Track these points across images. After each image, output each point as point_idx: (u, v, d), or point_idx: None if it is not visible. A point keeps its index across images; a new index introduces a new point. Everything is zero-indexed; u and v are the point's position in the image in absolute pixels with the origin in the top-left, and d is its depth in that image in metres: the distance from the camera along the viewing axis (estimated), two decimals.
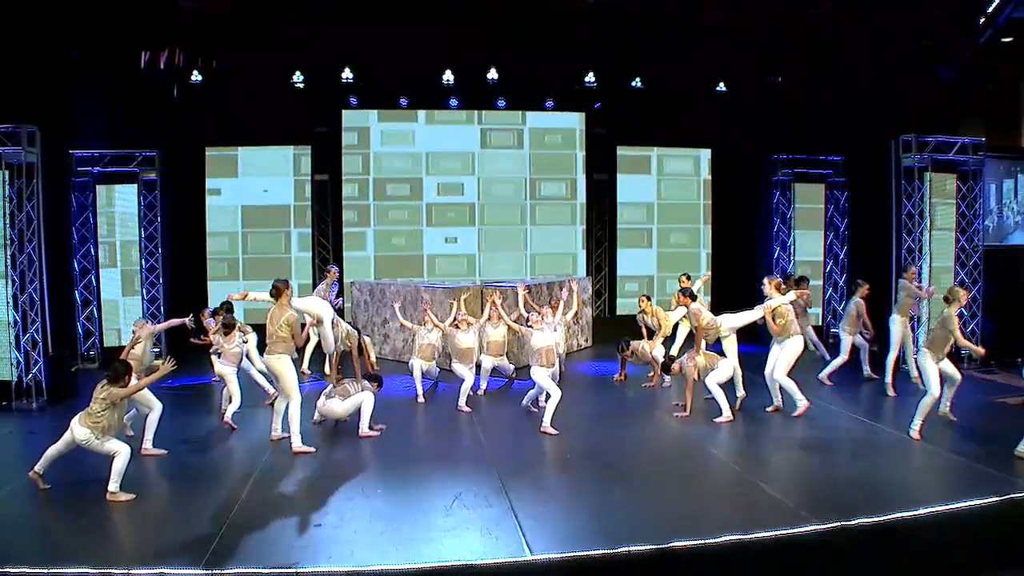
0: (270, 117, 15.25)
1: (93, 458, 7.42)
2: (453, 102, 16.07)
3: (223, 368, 9.99)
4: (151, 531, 6.51)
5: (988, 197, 13.93)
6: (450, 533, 6.38)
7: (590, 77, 15.58)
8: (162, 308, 13.87)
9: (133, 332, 9.62)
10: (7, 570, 5.65)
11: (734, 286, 17.06)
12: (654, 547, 6.14)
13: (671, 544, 6.17)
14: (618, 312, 17.01)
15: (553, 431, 9.20)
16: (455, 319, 11.32)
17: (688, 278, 12.81)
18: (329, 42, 14.26)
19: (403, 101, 15.95)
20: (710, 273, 13.67)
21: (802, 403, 9.85)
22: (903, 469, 8.16)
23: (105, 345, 13.61)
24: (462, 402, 10.45)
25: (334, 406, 9.20)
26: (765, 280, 10.30)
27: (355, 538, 6.31)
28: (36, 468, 7.32)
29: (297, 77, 14.74)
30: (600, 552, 6.05)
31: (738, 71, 15.80)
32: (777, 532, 6.41)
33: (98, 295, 13.57)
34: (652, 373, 11.92)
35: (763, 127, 16.28)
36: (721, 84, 16.10)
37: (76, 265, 13.41)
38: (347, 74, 14.82)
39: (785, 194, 15.91)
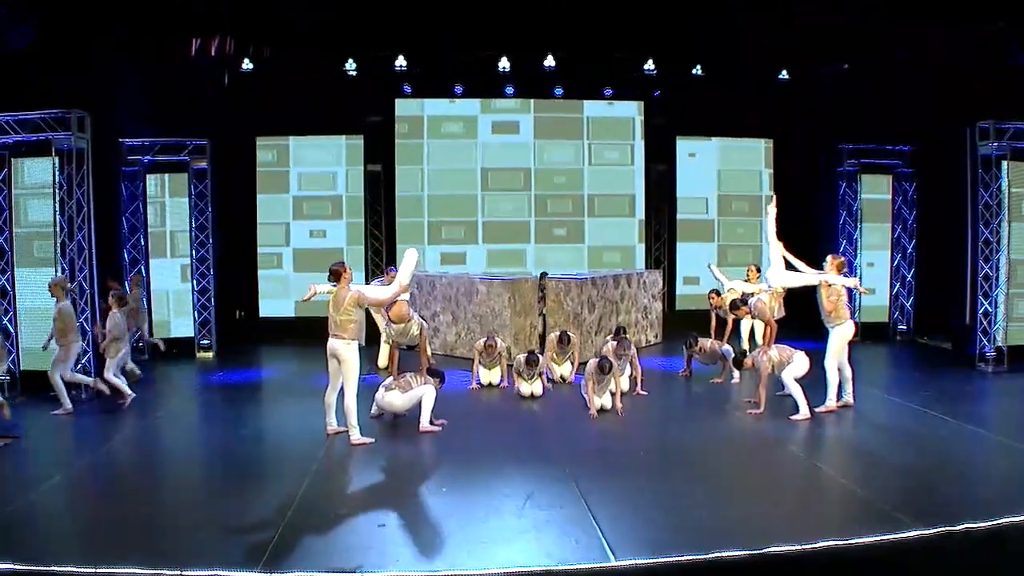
0: (322, 106, 14.97)
1: (141, 449, 7.12)
2: (509, 90, 15.63)
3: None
4: (205, 529, 6.12)
5: None
6: (525, 535, 5.94)
7: (649, 65, 15.00)
8: (212, 299, 13.61)
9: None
10: (54, 569, 5.30)
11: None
12: (748, 553, 5.65)
13: (767, 550, 5.67)
14: (677, 307, 16.41)
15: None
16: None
17: (758, 270, 12.29)
18: (382, 29, 13.90)
19: (458, 89, 15.55)
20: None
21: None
22: (999, 469, 7.60)
23: (155, 337, 13.36)
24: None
25: (393, 399, 8.81)
26: (829, 258, 9.83)
27: (422, 539, 5.90)
28: None
29: (350, 65, 14.37)
30: (690, 558, 5.58)
31: (801, 58, 15.13)
32: (879, 538, 5.88)
33: (148, 286, 13.34)
34: (722, 370, 11.40)
35: (827, 116, 15.67)
36: (784, 72, 15.42)
37: (126, 255, 13.21)
38: (401, 62, 14.42)
39: (852, 185, 15.23)
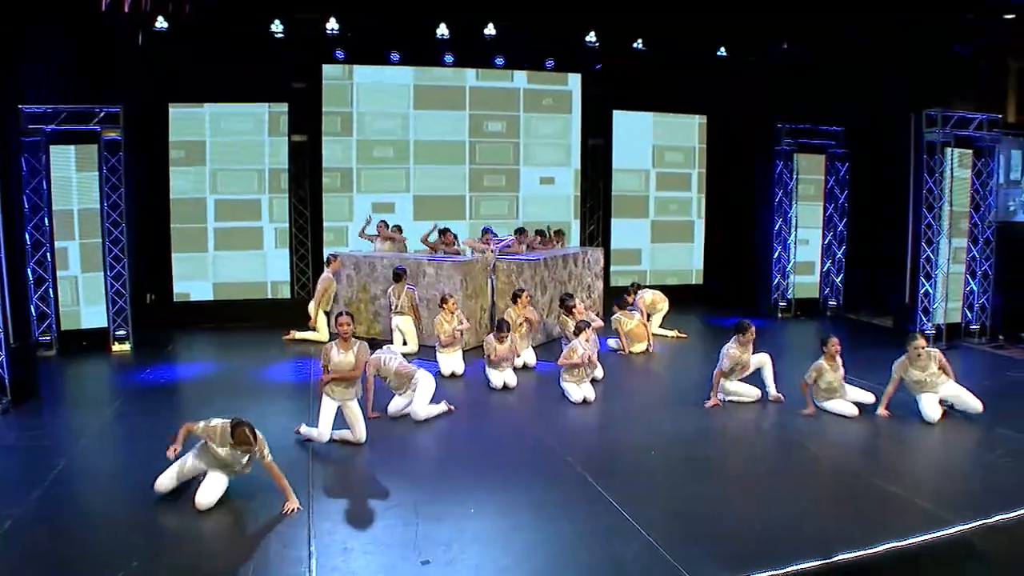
0: (244, 70, 13.64)
1: (91, 481, 6.23)
2: (448, 59, 14.72)
3: None
4: None
5: (994, 171, 13.55)
6: (588, 566, 5.47)
7: (591, 36, 14.42)
8: (127, 285, 12.24)
9: None
10: None
11: (730, 259, 16.53)
12: (820, 563, 5.48)
13: (836, 558, 5.53)
14: (611, 284, 16.11)
15: None
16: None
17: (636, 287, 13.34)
18: None
19: (394, 56, 14.51)
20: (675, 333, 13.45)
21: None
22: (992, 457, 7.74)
23: (62, 328, 11.91)
24: None
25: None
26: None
27: None
28: None
29: (276, 27, 13.09)
30: (773, 574, 5.30)
31: (742, 35, 14.94)
32: (931, 536, 5.88)
33: (53, 272, 11.81)
34: None
35: (764, 95, 15.65)
36: (722, 49, 15.19)
37: (27, 238, 11.63)
38: (332, 25, 13.25)
39: (788, 164, 15.28)
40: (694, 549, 5.63)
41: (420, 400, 8.62)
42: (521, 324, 11.16)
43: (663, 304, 13.45)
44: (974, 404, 8.51)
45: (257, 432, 6.38)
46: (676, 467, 7.58)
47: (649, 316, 13.00)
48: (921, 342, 8.76)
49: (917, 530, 5.92)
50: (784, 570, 5.34)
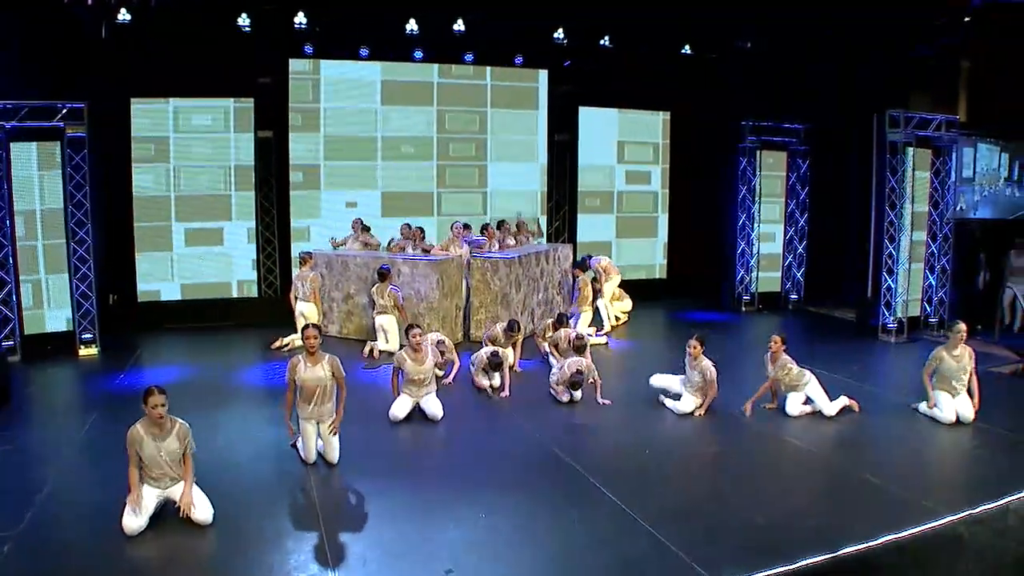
0: (209, 64, 13.28)
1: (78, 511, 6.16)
2: (418, 54, 14.57)
3: None
4: None
5: (951, 170, 13.97)
6: (606, 567, 5.55)
7: (559, 33, 14.40)
8: (93, 287, 11.88)
9: None
10: None
11: (694, 253, 16.76)
12: (828, 556, 5.67)
13: (841, 552, 5.72)
14: None
15: None
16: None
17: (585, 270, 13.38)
18: None
19: (363, 51, 14.29)
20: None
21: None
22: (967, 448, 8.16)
23: (26, 333, 11.51)
24: None
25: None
26: None
27: None
28: None
29: (243, 20, 12.77)
30: (786, 569, 5.47)
31: (706, 33, 15.10)
32: (925, 528, 6.13)
33: (15, 275, 11.38)
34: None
35: (727, 92, 15.88)
36: (687, 47, 15.32)
37: None
38: (300, 19, 12.97)
39: (751, 161, 15.54)
40: (704, 547, 5.76)
41: (434, 402, 8.80)
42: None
43: (616, 275, 13.97)
44: (967, 414, 8.69)
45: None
46: (671, 465, 7.71)
47: (595, 282, 13.42)
48: (962, 326, 8.85)
49: (910, 522, 6.14)
50: (795, 565, 5.51)
